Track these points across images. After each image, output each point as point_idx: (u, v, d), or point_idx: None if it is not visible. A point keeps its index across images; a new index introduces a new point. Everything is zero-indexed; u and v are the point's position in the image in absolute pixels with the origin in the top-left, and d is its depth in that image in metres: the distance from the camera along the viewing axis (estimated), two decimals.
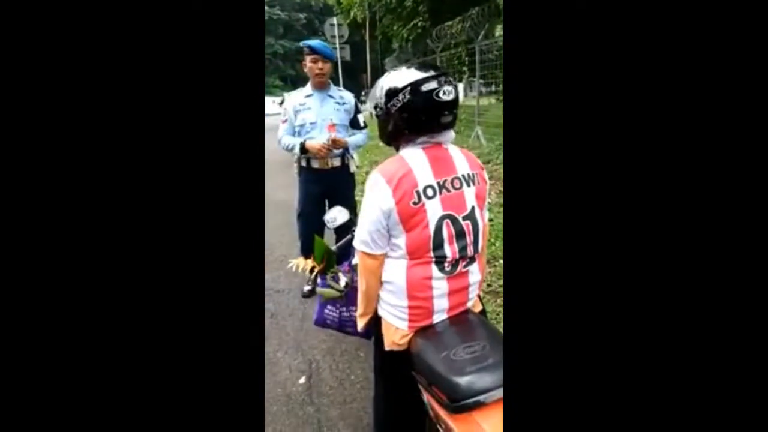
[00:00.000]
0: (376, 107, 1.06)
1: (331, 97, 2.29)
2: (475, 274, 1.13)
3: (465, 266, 1.08)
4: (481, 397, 0.82)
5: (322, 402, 1.75)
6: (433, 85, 0.97)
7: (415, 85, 0.97)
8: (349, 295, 1.43)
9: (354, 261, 1.47)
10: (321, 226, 2.19)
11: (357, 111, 2.38)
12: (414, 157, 1.03)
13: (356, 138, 2.35)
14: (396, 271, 1.06)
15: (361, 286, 1.12)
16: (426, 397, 0.97)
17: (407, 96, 0.98)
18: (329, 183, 2.34)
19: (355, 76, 17.59)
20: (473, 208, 1.07)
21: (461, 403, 0.83)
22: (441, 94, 0.97)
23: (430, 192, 1.01)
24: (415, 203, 0.99)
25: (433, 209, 1.01)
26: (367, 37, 13.64)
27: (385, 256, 1.08)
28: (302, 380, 1.89)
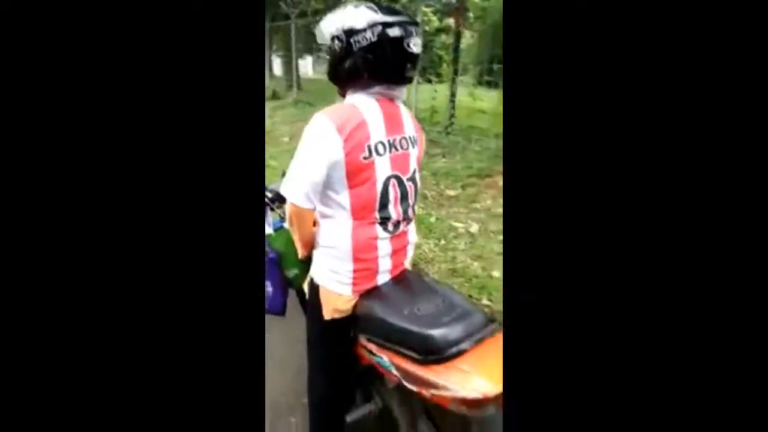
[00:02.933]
0: (333, 39, 0.94)
1: None
2: (412, 233, 1.14)
3: (405, 226, 1.08)
4: (463, 345, 0.84)
5: None
6: (401, 32, 0.89)
7: (384, 26, 0.88)
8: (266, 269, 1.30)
9: (268, 230, 1.32)
10: None
11: None
12: (368, 108, 0.95)
13: None
14: (339, 235, 0.99)
15: (296, 236, 1.08)
16: (387, 357, 0.95)
17: (374, 36, 0.88)
18: None
19: None
20: (415, 170, 1.06)
21: (445, 353, 0.84)
22: (411, 45, 0.90)
23: (381, 149, 0.95)
24: (365, 158, 0.93)
25: (382, 167, 0.96)
26: None
27: (321, 216, 1.01)
28: None
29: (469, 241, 2.72)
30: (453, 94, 5.05)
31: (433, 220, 3.05)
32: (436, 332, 0.85)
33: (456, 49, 5.24)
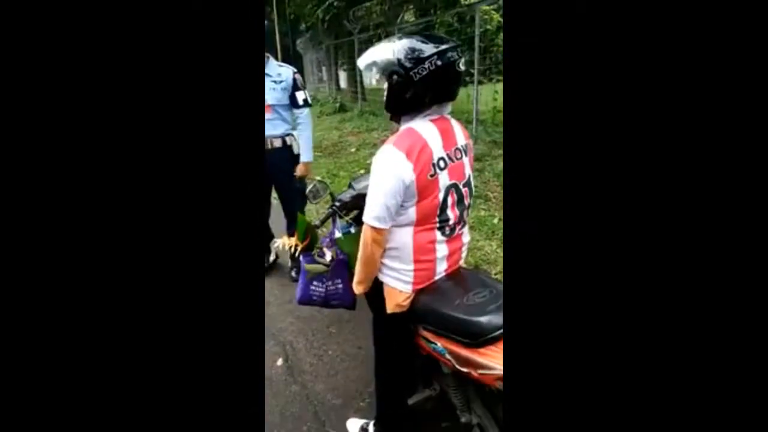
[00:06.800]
0: (391, 75, 1.03)
1: (268, 75, 2.19)
2: (466, 235, 1.25)
3: (460, 229, 1.19)
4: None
5: (305, 379, 1.77)
6: (454, 55, 1.01)
7: (441, 54, 1.00)
8: (334, 269, 1.46)
9: (337, 234, 1.50)
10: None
11: (296, 88, 2.25)
12: (426, 129, 1.07)
13: (304, 141, 2.29)
14: (402, 238, 1.11)
15: (364, 257, 1.13)
16: (441, 343, 1.06)
17: (434, 64, 0.99)
18: (272, 164, 2.24)
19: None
20: (470, 175, 1.17)
21: (487, 337, 0.94)
22: (460, 65, 1.03)
23: (442, 164, 1.07)
24: (431, 176, 1.05)
25: (443, 180, 1.08)
26: (275, 17, 13.02)
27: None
28: (279, 362, 1.88)
29: None
30: None
31: (496, 221, 3.07)
32: (483, 319, 0.96)
33: None
